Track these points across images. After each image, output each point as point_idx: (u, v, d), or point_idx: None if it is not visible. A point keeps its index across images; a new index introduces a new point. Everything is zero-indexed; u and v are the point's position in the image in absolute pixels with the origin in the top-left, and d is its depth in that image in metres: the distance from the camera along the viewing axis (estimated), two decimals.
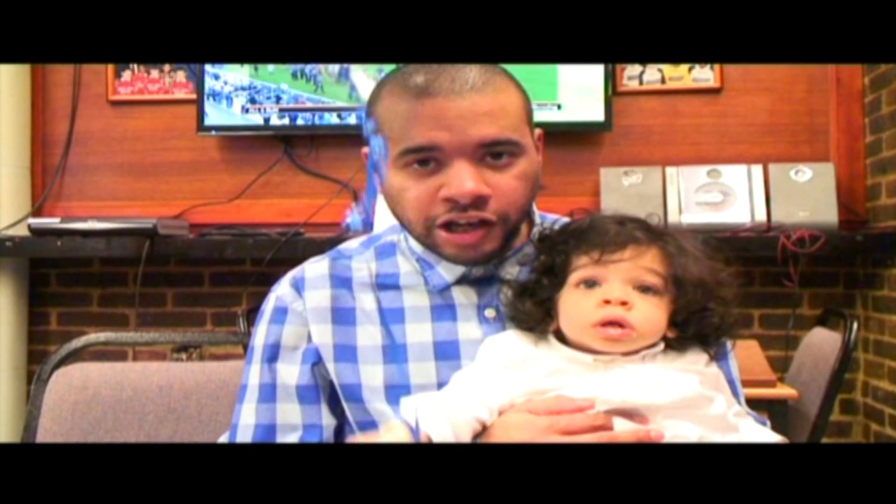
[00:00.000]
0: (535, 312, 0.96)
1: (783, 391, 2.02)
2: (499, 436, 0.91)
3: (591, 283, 0.94)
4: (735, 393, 1.06)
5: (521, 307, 0.97)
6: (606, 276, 0.94)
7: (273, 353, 1.07)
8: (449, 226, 1.00)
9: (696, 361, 0.96)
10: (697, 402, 0.91)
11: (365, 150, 1.10)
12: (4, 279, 2.85)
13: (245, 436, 1.05)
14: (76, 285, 3.02)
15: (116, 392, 1.43)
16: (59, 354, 1.47)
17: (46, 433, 1.41)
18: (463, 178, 0.97)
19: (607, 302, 0.92)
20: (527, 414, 0.91)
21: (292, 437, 1.04)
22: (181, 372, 1.47)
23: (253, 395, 1.07)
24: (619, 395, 0.89)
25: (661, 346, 0.95)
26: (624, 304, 0.92)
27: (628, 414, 0.89)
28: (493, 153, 0.99)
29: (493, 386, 0.93)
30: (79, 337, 1.50)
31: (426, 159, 0.99)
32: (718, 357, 1.08)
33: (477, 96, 0.97)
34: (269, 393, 1.06)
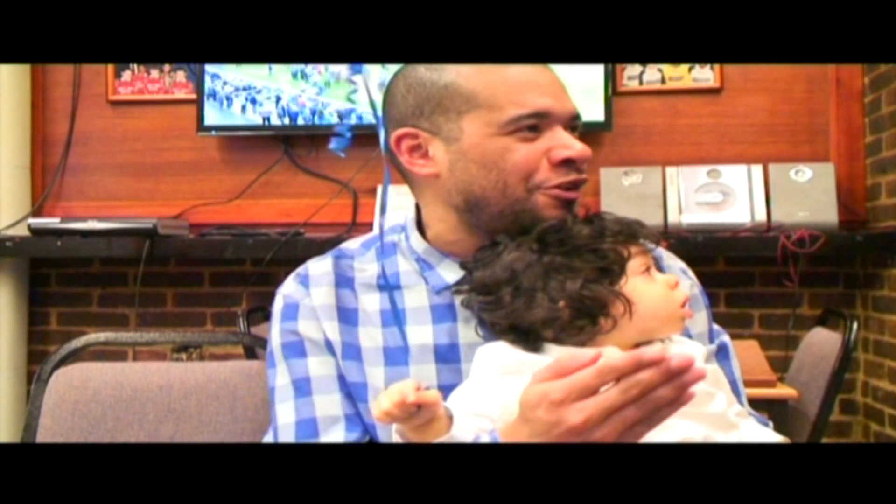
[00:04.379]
0: (605, 301, 0.93)
1: (783, 391, 2.01)
2: (518, 425, 0.86)
3: (649, 271, 0.97)
4: (737, 393, 1.06)
5: (590, 296, 0.92)
6: (651, 263, 0.98)
7: (295, 350, 1.05)
8: (560, 188, 1.02)
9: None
10: (699, 399, 0.90)
11: (401, 131, 1.05)
12: (4, 279, 2.85)
13: (287, 435, 1.02)
14: (76, 285, 3.02)
15: (116, 392, 1.43)
16: (59, 354, 1.47)
17: (46, 433, 1.41)
18: (574, 141, 1.02)
19: (677, 284, 0.98)
20: (538, 388, 0.84)
21: (335, 430, 1.01)
22: (181, 372, 1.47)
23: (287, 394, 1.04)
24: None
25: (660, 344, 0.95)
26: (677, 284, 0.98)
27: None
28: (574, 126, 1.05)
29: (493, 394, 0.91)
30: (79, 337, 1.50)
31: (534, 125, 1.01)
32: (721, 357, 1.09)
33: (554, 72, 1.06)
34: (303, 387, 1.03)
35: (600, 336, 0.93)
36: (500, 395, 0.91)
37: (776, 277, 2.66)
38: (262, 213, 2.92)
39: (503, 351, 0.95)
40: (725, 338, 1.13)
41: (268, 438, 1.07)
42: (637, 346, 0.94)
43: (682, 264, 1.14)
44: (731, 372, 1.08)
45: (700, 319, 1.09)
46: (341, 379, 1.04)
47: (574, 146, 1.01)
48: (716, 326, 1.13)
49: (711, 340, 1.10)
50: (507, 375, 0.92)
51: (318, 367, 1.04)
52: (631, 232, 0.97)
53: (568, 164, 1.01)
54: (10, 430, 2.80)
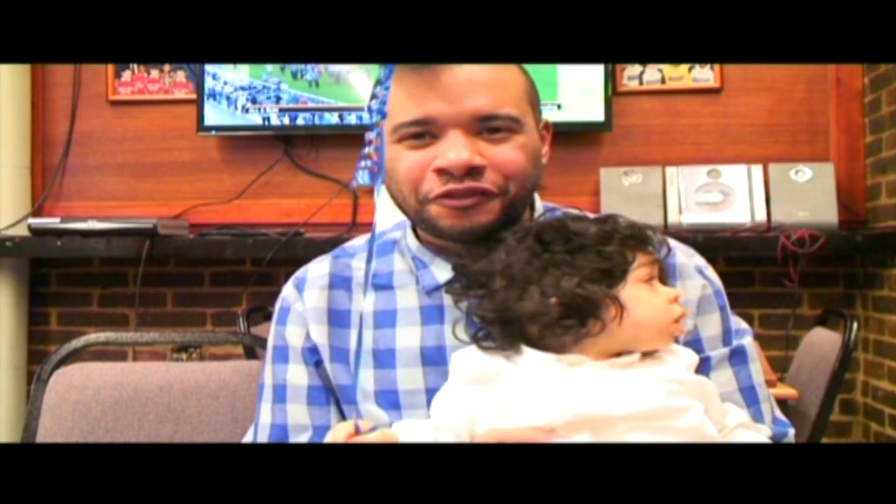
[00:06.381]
0: (598, 303, 0.89)
1: (783, 391, 2.01)
2: None
3: (651, 281, 0.93)
4: (754, 400, 1.03)
5: (583, 295, 0.88)
6: (655, 274, 0.93)
7: (281, 354, 1.08)
8: (445, 197, 0.96)
9: (675, 369, 0.91)
10: (663, 414, 0.86)
11: (369, 133, 1.08)
12: (4, 279, 2.85)
13: (263, 435, 1.07)
14: (76, 285, 3.02)
15: (116, 392, 1.43)
16: (59, 354, 1.47)
17: (46, 433, 1.41)
18: (456, 149, 0.94)
19: (677, 298, 0.93)
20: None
21: (303, 438, 1.04)
22: (181, 372, 1.47)
23: (268, 395, 1.08)
24: (573, 408, 0.84)
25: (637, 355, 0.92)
26: (676, 299, 0.93)
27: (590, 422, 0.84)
28: (491, 128, 0.96)
29: (459, 404, 0.89)
30: (79, 337, 1.50)
31: (420, 133, 0.97)
32: (736, 361, 1.04)
33: (477, 67, 0.96)
34: (280, 394, 1.07)
35: (587, 339, 0.89)
36: (465, 405, 0.89)
37: (776, 277, 2.66)
38: (262, 213, 2.92)
39: (472, 358, 0.92)
40: (746, 340, 1.06)
41: (250, 432, 1.11)
42: (619, 354, 0.90)
43: (699, 262, 1.07)
44: (746, 377, 1.03)
45: (712, 322, 1.04)
46: (314, 389, 1.06)
47: (446, 155, 0.95)
48: (742, 326, 1.07)
49: (727, 342, 1.04)
50: (473, 385, 0.90)
51: (295, 375, 1.07)
52: (641, 238, 0.93)
53: (446, 172, 0.95)
54: (10, 430, 2.80)
